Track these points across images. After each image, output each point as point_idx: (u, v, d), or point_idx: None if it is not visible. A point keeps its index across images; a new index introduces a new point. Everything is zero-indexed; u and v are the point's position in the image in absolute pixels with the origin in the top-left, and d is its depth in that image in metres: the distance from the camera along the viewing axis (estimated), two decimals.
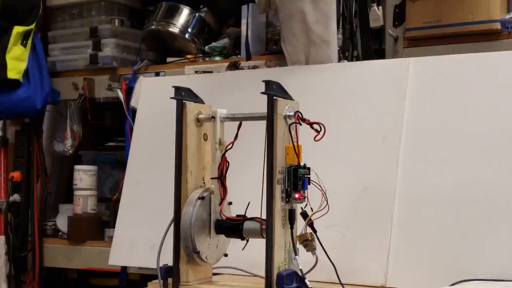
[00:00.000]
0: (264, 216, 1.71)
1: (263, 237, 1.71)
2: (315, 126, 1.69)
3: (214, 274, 1.97)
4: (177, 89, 1.85)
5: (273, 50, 2.57)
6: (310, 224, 1.73)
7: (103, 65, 2.86)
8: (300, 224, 1.74)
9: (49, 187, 2.98)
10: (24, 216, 2.92)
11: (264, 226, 1.71)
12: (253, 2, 2.59)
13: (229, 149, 1.83)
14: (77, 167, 2.84)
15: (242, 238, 1.81)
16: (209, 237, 1.82)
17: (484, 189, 1.88)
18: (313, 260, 1.74)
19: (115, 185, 2.96)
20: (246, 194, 2.14)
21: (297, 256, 1.72)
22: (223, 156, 1.83)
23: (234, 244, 2.12)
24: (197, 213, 1.79)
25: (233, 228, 1.81)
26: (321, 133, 1.68)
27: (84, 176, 2.80)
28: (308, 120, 1.71)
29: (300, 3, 2.27)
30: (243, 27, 2.62)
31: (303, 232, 1.74)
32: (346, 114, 2.11)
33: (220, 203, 1.84)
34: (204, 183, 1.89)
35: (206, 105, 1.91)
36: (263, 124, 1.71)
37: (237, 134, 1.81)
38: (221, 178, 1.83)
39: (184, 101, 1.85)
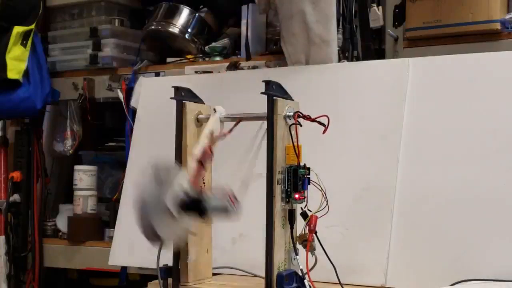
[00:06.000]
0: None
1: (228, 217, 1.58)
2: (320, 120, 1.69)
3: (214, 274, 1.97)
4: (177, 89, 1.85)
5: (273, 50, 2.57)
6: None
7: (103, 65, 2.86)
8: (300, 224, 1.75)
9: (49, 187, 2.98)
10: (24, 216, 2.91)
11: (232, 203, 1.57)
12: (253, 2, 2.59)
13: (221, 139, 1.79)
14: (77, 167, 2.84)
15: (204, 216, 1.62)
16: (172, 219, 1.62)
17: (484, 189, 1.88)
18: (313, 260, 1.74)
19: (115, 185, 2.95)
20: (247, 193, 2.15)
21: (297, 256, 1.72)
22: (210, 146, 1.75)
23: (234, 244, 2.12)
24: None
25: (192, 204, 1.61)
26: (326, 124, 1.68)
27: (84, 176, 2.80)
28: (309, 116, 1.71)
29: (300, 3, 2.27)
30: (243, 27, 2.62)
31: (303, 232, 1.74)
32: (346, 114, 2.11)
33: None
34: (204, 183, 1.89)
35: (206, 105, 1.92)
36: (262, 124, 1.71)
37: (232, 129, 1.80)
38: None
39: (184, 101, 1.85)
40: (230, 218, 1.59)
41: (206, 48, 2.78)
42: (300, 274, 1.70)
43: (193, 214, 1.61)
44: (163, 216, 1.60)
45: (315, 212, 1.72)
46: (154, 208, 1.59)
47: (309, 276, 1.70)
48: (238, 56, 2.66)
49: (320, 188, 1.72)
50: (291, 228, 1.72)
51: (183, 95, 1.86)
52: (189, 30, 2.82)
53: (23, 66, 2.73)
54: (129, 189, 2.45)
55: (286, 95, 1.74)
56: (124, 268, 2.52)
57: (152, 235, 1.60)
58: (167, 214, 1.60)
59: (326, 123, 1.69)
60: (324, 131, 1.69)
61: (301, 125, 1.72)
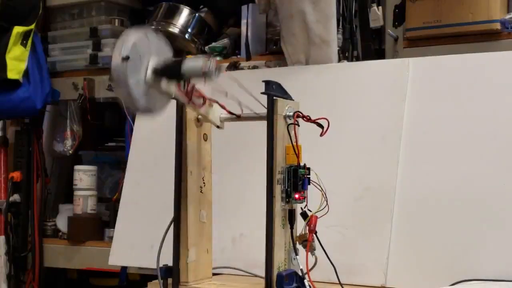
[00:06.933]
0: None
1: (204, 77, 1.54)
2: (320, 122, 1.69)
3: (214, 274, 1.97)
4: None
5: (273, 50, 2.57)
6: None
7: (103, 65, 2.86)
8: (300, 224, 1.75)
9: (49, 187, 2.98)
10: (24, 216, 2.92)
11: (210, 62, 1.53)
12: (253, 2, 2.59)
13: None
14: (77, 167, 2.84)
15: (180, 79, 1.58)
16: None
17: (484, 189, 1.88)
18: (313, 260, 1.74)
19: (115, 185, 2.96)
20: (247, 193, 2.15)
21: (297, 256, 1.72)
22: None
23: (234, 244, 2.12)
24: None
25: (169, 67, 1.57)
26: (325, 127, 1.68)
27: (84, 176, 2.80)
28: (308, 117, 1.71)
29: (300, 3, 2.27)
30: (243, 27, 2.62)
31: (303, 232, 1.74)
32: (346, 114, 2.11)
33: None
34: (204, 183, 1.89)
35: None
36: (263, 124, 1.71)
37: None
38: None
39: None
40: (207, 79, 1.55)
41: (206, 48, 2.78)
42: (300, 274, 1.70)
43: (171, 77, 1.58)
44: (142, 83, 1.55)
45: (315, 212, 1.72)
46: (132, 75, 1.53)
47: (309, 276, 1.70)
48: (238, 56, 2.66)
49: (320, 188, 1.71)
50: (291, 228, 1.72)
51: None
52: (189, 30, 2.82)
53: (23, 66, 2.73)
54: (129, 189, 2.45)
55: (286, 95, 1.74)
56: (124, 268, 2.51)
57: (133, 104, 1.56)
58: (146, 80, 1.56)
59: (325, 125, 1.68)
60: (322, 134, 1.68)
61: (298, 125, 1.72)
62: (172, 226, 1.83)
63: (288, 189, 1.69)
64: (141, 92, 1.55)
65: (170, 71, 1.57)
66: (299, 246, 1.73)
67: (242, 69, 2.51)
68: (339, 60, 2.36)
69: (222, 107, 1.76)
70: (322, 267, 1.76)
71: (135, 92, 1.54)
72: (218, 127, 1.83)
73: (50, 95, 2.87)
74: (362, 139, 2.07)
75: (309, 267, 1.72)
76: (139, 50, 1.54)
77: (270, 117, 1.69)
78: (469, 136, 1.95)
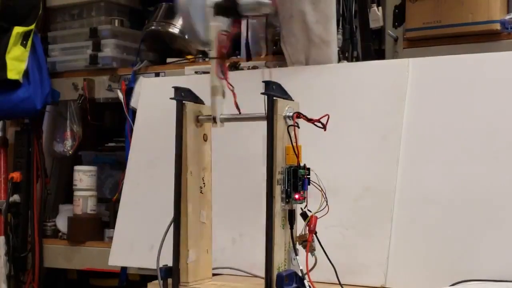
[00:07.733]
0: None
1: (264, 15, 1.76)
2: (321, 120, 1.69)
3: (214, 274, 1.97)
4: (177, 90, 1.85)
5: (273, 50, 2.57)
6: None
7: (103, 65, 2.86)
8: (300, 225, 1.75)
9: (49, 187, 2.98)
10: (24, 216, 2.92)
11: None
12: None
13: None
14: (77, 167, 2.84)
15: (239, 16, 1.80)
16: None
17: (484, 189, 1.88)
18: (312, 260, 1.74)
19: (115, 186, 2.96)
20: (247, 194, 2.15)
21: (297, 257, 1.72)
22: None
23: (234, 244, 2.12)
24: None
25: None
26: (325, 122, 1.68)
27: (84, 177, 2.80)
28: (306, 117, 1.71)
29: (300, 3, 2.27)
30: (243, 27, 2.62)
31: (303, 233, 1.74)
32: (346, 114, 2.11)
33: None
34: (204, 183, 1.89)
35: (206, 105, 1.92)
36: (263, 124, 1.71)
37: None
38: None
39: (184, 102, 1.85)
40: (263, 11, 1.75)
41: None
42: (300, 274, 1.70)
43: (229, 13, 1.78)
44: (203, 18, 1.78)
45: (315, 213, 1.72)
46: (195, 11, 1.77)
47: (309, 277, 1.70)
48: (238, 56, 2.66)
49: (320, 188, 1.72)
50: (291, 228, 1.72)
51: (183, 95, 1.86)
52: None
53: (23, 66, 2.73)
54: (129, 189, 2.45)
55: (286, 96, 1.74)
56: (124, 269, 2.52)
57: (194, 36, 1.79)
58: (206, 16, 1.77)
59: (325, 122, 1.69)
60: (325, 129, 1.69)
61: (298, 127, 1.72)
62: (172, 226, 1.83)
63: (288, 189, 1.69)
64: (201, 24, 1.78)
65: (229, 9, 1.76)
66: (299, 247, 1.73)
67: (242, 69, 2.51)
68: (339, 61, 2.36)
69: (234, 95, 1.80)
70: (322, 268, 1.76)
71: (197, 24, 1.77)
72: (214, 123, 1.85)
73: (50, 96, 2.87)
74: (362, 139, 2.07)
75: (309, 268, 1.72)
76: None
77: (270, 117, 1.69)
78: (469, 136, 1.95)
